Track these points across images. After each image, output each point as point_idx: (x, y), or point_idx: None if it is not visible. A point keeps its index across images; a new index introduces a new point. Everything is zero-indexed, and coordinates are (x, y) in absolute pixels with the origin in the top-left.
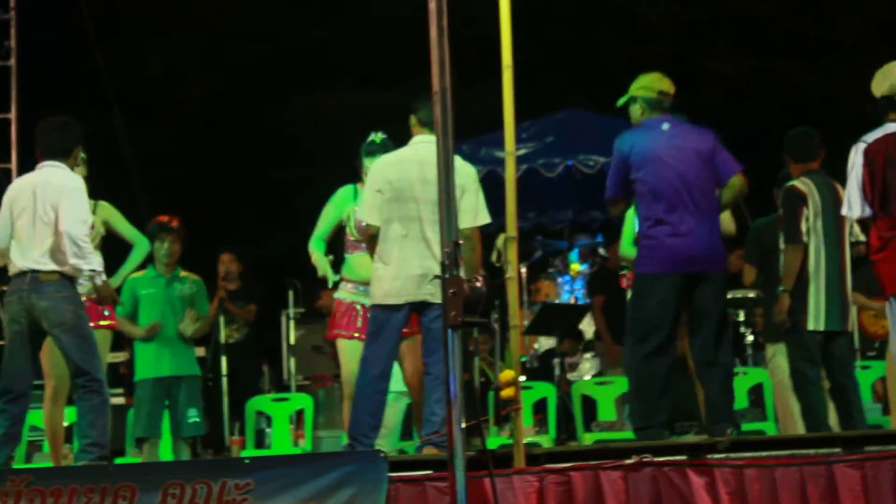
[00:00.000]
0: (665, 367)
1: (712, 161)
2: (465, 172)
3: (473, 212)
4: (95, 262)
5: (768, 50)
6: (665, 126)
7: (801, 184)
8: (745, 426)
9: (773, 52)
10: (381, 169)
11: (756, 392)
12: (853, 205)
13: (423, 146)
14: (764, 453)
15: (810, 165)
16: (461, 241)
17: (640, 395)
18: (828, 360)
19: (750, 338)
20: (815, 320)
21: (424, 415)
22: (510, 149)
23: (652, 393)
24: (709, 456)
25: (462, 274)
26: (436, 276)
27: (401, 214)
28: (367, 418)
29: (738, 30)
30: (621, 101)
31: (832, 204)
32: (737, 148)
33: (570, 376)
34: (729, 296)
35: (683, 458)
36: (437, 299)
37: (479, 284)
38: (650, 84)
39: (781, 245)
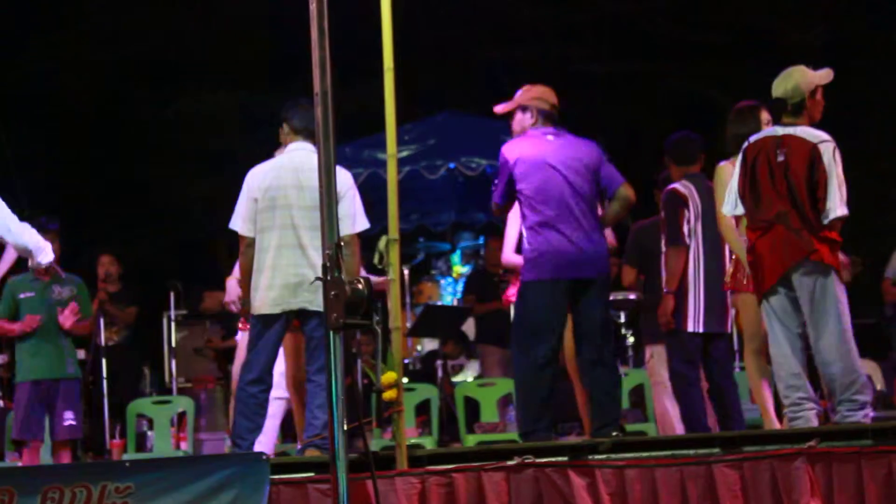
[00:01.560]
0: (551, 375)
1: (597, 173)
2: (342, 178)
3: (351, 218)
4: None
5: (646, 53)
6: (550, 137)
7: (682, 187)
8: (626, 427)
9: (650, 56)
10: (257, 177)
11: (637, 393)
12: (728, 202)
13: (298, 153)
14: (644, 454)
15: (690, 169)
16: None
17: (527, 402)
18: (707, 362)
19: (631, 339)
20: (695, 322)
21: (306, 419)
22: (392, 151)
23: (538, 400)
24: (590, 457)
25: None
26: (317, 279)
27: (276, 223)
28: (243, 421)
29: (616, 33)
30: (505, 110)
31: (712, 207)
32: (616, 151)
33: (453, 378)
34: (610, 297)
35: (565, 459)
36: (316, 307)
37: (360, 286)
38: (543, 96)
39: (662, 247)
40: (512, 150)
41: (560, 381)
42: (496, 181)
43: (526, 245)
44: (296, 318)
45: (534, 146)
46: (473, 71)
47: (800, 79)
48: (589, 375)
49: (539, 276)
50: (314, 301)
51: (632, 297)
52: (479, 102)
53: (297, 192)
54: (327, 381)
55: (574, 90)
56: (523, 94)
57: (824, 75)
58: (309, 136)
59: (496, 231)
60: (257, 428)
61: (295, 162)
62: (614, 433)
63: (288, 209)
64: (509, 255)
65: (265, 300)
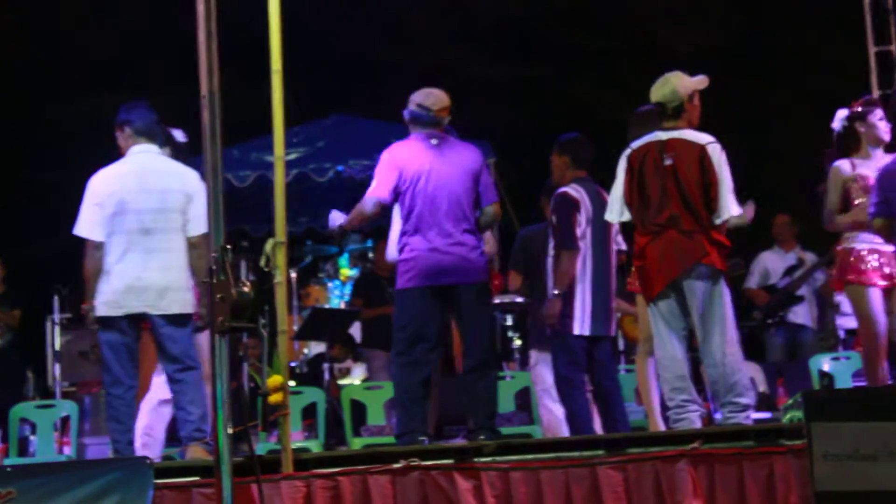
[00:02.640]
0: (423, 377)
1: (477, 181)
2: (192, 179)
3: (201, 219)
4: None
5: (534, 58)
6: (434, 140)
7: (573, 191)
8: (512, 430)
9: (538, 60)
10: (100, 183)
11: (523, 396)
12: (613, 209)
13: (141, 156)
14: (529, 456)
15: (580, 172)
16: (191, 249)
17: (401, 403)
18: (592, 364)
19: (518, 342)
20: (581, 325)
21: (180, 419)
22: (279, 153)
23: (411, 401)
24: (475, 459)
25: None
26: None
27: (122, 227)
28: (114, 423)
29: (505, 38)
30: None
31: (600, 211)
32: (503, 155)
33: (340, 381)
34: (497, 300)
35: (451, 461)
36: (160, 311)
37: (246, 289)
38: (426, 99)
39: (551, 251)
40: (393, 153)
41: (447, 384)
42: (374, 179)
43: (400, 250)
44: (142, 322)
45: (413, 151)
46: (366, 75)
47: (677, 83)
48: (464, 379)
49: (406, 283)
50: (157, 305)
51: (518, 300)
52: (370, 106)
53: (145, 196)
54: (213, 385)
55: (463, 95)
56: (411, 99)
57: (700, 81)
58: (151, 138)
59: (384, 234)
60: (129, 429)
61: (139, 165)
62: (481, 437)
63: (136, 214)
64: (393, 254)
65: (106, 303)
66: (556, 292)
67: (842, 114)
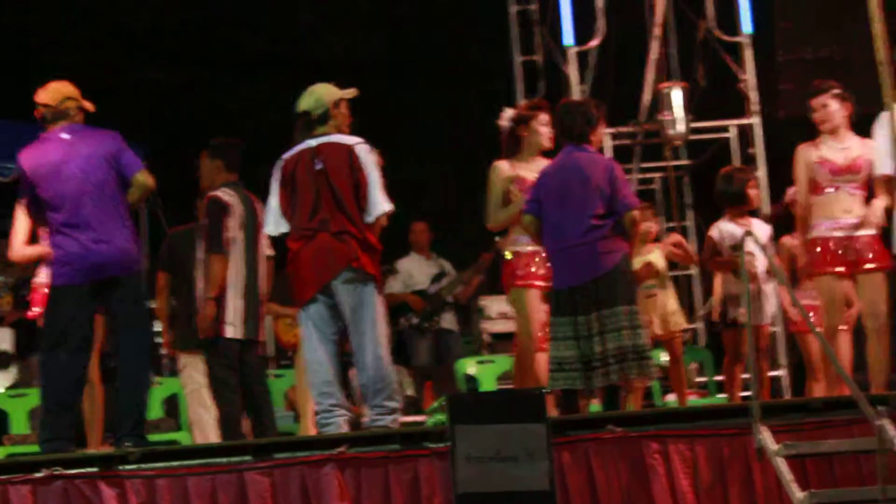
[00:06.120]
0: (73, 379)
1: (118, 163)
2: None
3: None
4: None
5: (184, 61)
6: (64, 135)
7: (225, 195)
8: (159, 437)
9: (189, 64)
10: None
11: (171, 402)
12: (270, 222)
13: None
14: (176, 463)
15: (231, 177)
16: None
17: (48, 407)
18: (242, 368)
19: (164, 349)
20: (233, 328)
21: None
22: None
23: (59, 408)
24: (120, 467)
25: None
26: None
27: None
28: None
29: (162, 41)
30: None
31: (251, 216)
32: (155, 157)
33: None
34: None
35: (95, 470)
36: None
37: None
38: (50, 94)
39: (200, 254)
40: (26, 158)
41: (107, 389)
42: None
43: (51, 249)
44: None
45: (46, 150)
46: (21, 75)
47: (322, 92)
48: (117, 384)
49: (61, 281)
50: None
51: (174, 303)
52: (22, 108)
53: None
54: None
55: (122, 96)
56: (38, 94)
57: (348, 92)
58: None
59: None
60: None
61: None
62: (127, 444)
63: None
64: (20, 249)
65: None
66: (210, 296)
67: (508, 114)
